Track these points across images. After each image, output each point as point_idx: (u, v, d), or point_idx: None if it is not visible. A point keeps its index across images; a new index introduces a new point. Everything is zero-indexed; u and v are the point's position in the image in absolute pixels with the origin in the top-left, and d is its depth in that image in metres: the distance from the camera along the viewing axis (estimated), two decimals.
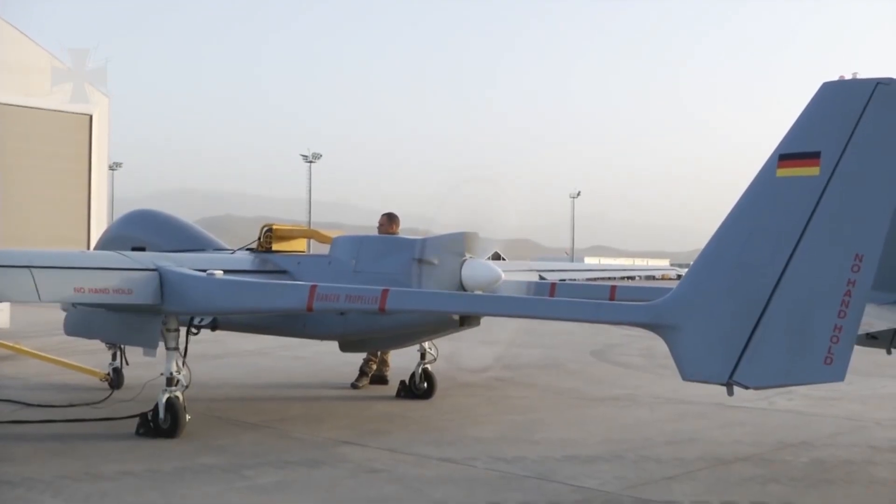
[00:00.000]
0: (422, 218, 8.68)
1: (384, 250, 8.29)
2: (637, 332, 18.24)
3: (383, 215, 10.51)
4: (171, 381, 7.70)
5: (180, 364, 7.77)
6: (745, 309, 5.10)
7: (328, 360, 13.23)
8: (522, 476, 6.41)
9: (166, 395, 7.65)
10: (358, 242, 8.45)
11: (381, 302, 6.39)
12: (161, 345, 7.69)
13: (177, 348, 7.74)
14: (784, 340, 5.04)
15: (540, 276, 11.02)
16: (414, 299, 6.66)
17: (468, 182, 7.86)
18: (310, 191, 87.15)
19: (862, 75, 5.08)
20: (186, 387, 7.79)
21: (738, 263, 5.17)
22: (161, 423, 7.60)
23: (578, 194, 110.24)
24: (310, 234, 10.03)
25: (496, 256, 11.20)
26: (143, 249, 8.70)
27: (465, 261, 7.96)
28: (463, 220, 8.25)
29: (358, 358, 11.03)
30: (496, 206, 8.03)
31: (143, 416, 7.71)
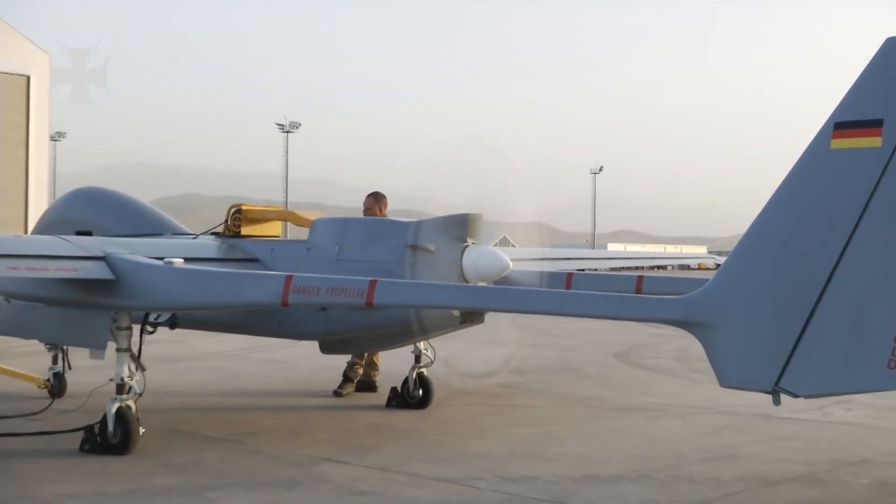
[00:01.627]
0: (415, 198, 8.67)
1: (372, 235, 8.30)
2: (668, 330, 18.25)
3: (370, 195, 10.50)
4: (121, 389, 7.71)
5: (133, 368, 7.77)
6: (794, 304, 5.11)
7: (307, 364, 13.24)
8: (533, 499, 6.43)
9: (116, 405, 7.66)
10: (342, 226, 8.45)
11: (369, 295, 6.40)
12: (111, 346, 7.69)
13: (129, 350, 7.75)
14: (839, 341, 5.05)
15: (550, 264, 11.01)
16: (407, 292, 6.67)
17: (470, 155, 7.83)
18: (286, 165, 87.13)
19: None
20: (140, 395, 7.80)
21: (785, 251, 5.17)
22: (110, 438, 7.62)
23: (601, 170, 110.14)
24: (286, 217, 10.02)
25: (504, 242, 11.19)
26: (89, 234, 8.69)
27: (466, 247, 7.96)
28: (464, 199, 8.24)
29: (342, 361, 11.04)
30: (504, 182, 8.01)
31: (88, 429, 7.73)
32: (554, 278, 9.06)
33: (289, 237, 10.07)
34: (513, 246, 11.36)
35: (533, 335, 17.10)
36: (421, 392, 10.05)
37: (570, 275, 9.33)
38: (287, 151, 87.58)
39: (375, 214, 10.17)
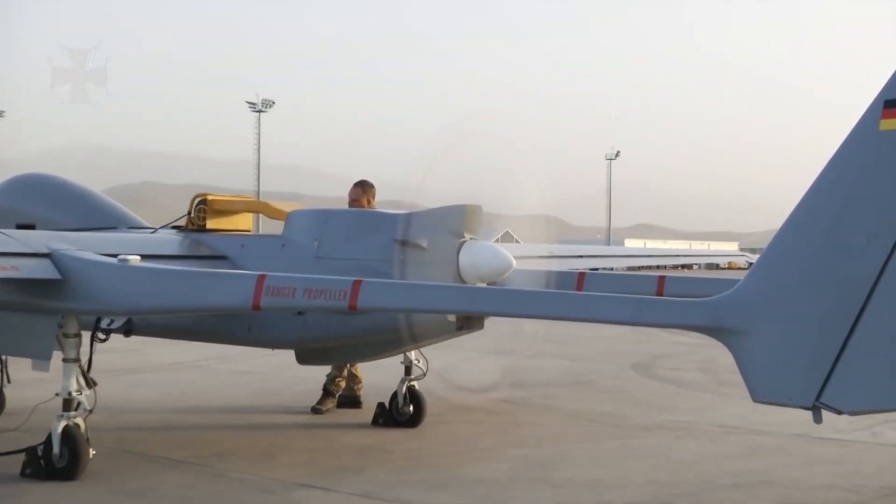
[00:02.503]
0: (406, 187, 8.66)
1: (356, 229, 8.30)
2: (693, 338, 18.22)
3: (356, 184, 10.51)
4: (69, 405, 7.69)
5: (82, 381, 7.75)
6: (837, 308, 5.10)
7: (281, 376, 13.24)
8: None
9: (63, 424, 7.65)
10: (321, 219, 8.45)
11: (353, 297, 6.39)
12: (56, 355, 7.67)
13: (78, 360, 7.73)
14: (888, 350, 5.04)
15: (558, 263, 11.01)
16: (396, 294, 6.66)
17: (468, 138, 7.82)
18: (258, 150, 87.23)
19: None
20: (90, 411, 7.78)
21: (826, 247, 5.16)
22: (56, 461, 7.60)
23: (617, 155, 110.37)
24: (257, 208, 10.02)
25: (506, 238, 11.19)
26: (32, 227, 8.67)
27: (464, 243, 7.95)
28: (462, 188, 8.24)
29: (321, 373, 11.04)
30: (506, 169, 8.01)
31: (31, 451, 7.71)
32: (563, 278, 9.06)
33: (261, 231, 10.06)
34: (517, 242, 11.37)
35: (539, 343, 17.09)
36: (412, 408, 10.05)
37: (581, 274, 9.33)
38: (259, 134, 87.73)
39: (362, 206, 10.17)
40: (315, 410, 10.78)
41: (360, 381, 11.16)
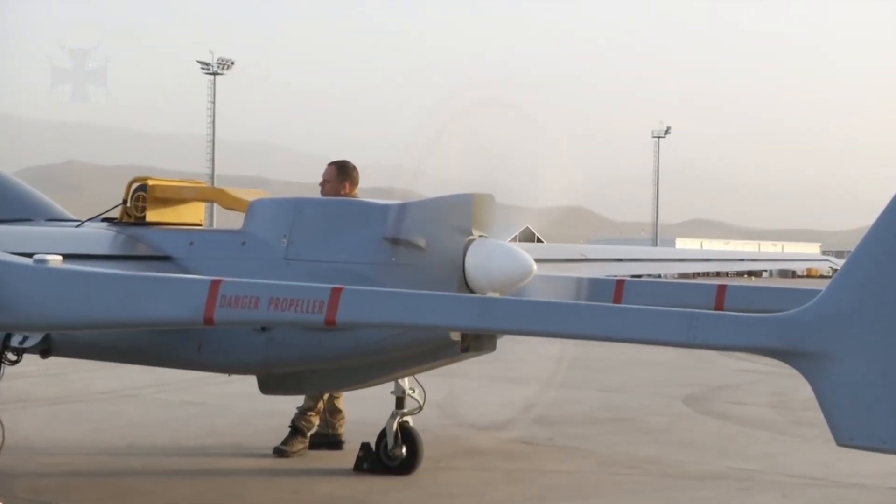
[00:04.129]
0: (399, 170, 8.66)
1: (335, 224, 8.30)
2: (762, 363, 18.15)
3: (332, 165, 10.47)
4: None
5: None
6: None
7: (239, 409, 13.22)
8: None
9: None
10: (292, 210, 8.44)
11: (331, 310, 6.38)
12: None
13: None
14: None
15: (591, 268, 10.98)
16: (385, 306, 6.65)
17: (478, 110, 7.82)
18: (213, 123, 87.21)
19: None
20: None
21: None
22: None
23: (667, 132, 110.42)
24: (211, 196, 10.00)
25: (525, 236, 11.18)
26: None
27: (471, 242, 7.94)
28: (469, 173, 8.24)
29: (290, 405, 11.03)
30: (527, 149, 8.00)
31: None
32: (597, 287, 9.05)
33: (215, 225, 10.06)
34: (539, 241, 11.36)
35: (566, 369, 17.05)
36: (405, 450, 10.05)
37: (619, 283, 9.32)
38: (214, 102, 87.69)
39: (340, 193, 10.15)
40: (280, 452, 10.78)
41: (342, 416, 11.13)
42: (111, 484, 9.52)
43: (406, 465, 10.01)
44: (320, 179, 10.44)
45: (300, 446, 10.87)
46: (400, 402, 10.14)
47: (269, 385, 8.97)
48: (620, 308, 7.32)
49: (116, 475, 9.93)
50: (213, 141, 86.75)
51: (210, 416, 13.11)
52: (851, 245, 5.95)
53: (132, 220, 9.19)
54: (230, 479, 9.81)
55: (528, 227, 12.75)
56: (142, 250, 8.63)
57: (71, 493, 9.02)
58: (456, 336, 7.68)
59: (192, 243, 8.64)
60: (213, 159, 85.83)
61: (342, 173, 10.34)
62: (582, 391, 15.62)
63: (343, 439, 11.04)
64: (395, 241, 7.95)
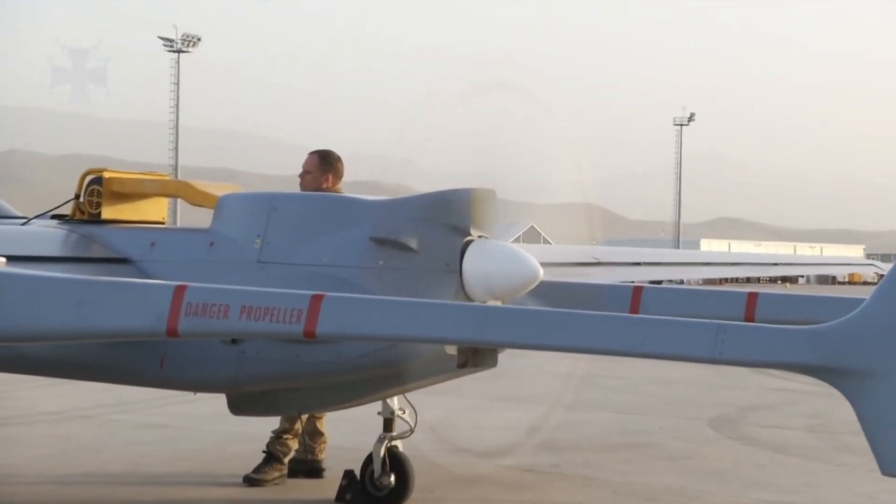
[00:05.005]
0: (387, 161, 8.68)
1: (316, 222, 8.32)
2: (798, 381, 18.16)
3: (314, 155, 10.47)
4: None
5: None
6: None
7: (206, 432, 13.23)
8: None
9: None
10: (267, 207, 8.45)
11: (310, 320, 6.41)
12: None
13: None
14: None
15: (605, 272, 10.99)
16: (372, 316, 6.67)
17: (479, 94, 7.84)
18: (177, 107, 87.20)
19: None
20: None
21: None
22: None
23: (691, 119, 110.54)
24: (175, 190, 10.01)
25: (531, 236, 11.18)
26: None
27: (470, 244, 7.97)
28: (467, 165, 8.26)
29: (264, 427, 11.03)
30: (533, 138, 8.02)
31: None
32: (612, 295, 9.08)
33: (179, 224, 10.06)
34: (546, 242, 11.34)
35: (576, 387, 17.09)
36: (393, 478, 10.05)
37: (637, 290, 9.33)
38: (178, 83, 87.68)
39: (322, 187, 10.16)
40: (252, 481, 10.78)
41: (323, 440, 11.13)
42: None
43: (395, 496, 10.03)
44: (299, 171, 10.45)
45: (276, 474, 10.87)
46: (388, 425, 10.14)
47: (241, 405, 8.98)
48: (638, 319, 7.35)
49: None
50: (176, 127, 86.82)
51: (173, 440, 13.11)
52: None
53: (86, 217, 9.20)
54: None
55: (533, 227, 12.77)
56: (96, 251, 8.63)
57: None
58: (452, 350, 7.69)
59: (153, 244, 8.64)
60: (176, 148, 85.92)
61: (325, 164, 10.33)
62: (594, 412, 15.63)
63: (324, 466, 11.05)
64: (383, 243, 7.97)
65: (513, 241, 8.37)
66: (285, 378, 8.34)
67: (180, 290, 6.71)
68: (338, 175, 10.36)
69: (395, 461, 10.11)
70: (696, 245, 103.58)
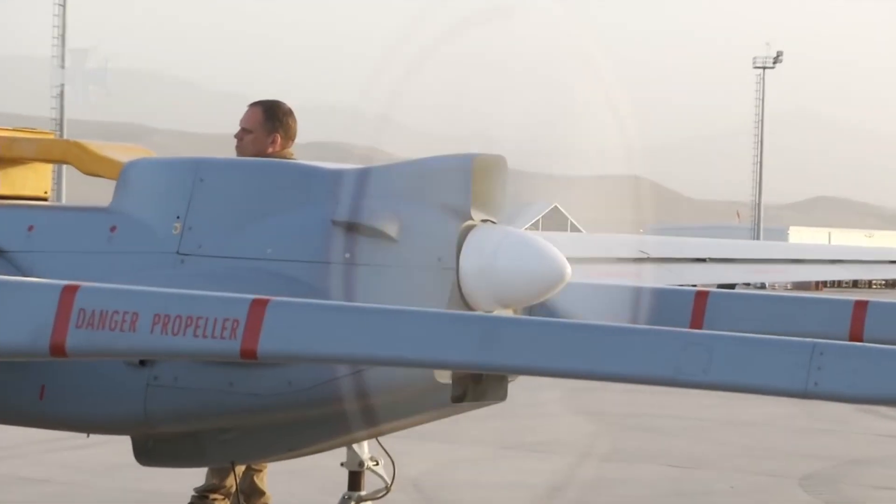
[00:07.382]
0: (356, 117, 8.73)
1: (258, 200, 8.37)
2: None
3: (255, 108, 10.53)
4: None
5: None
6: None
7: (102, 489, 13.29)
8: None
9: None
10: (189, 177, 8.51)
11: (249, 334, 6.44)
12: None
13: None
14: None
15: (656, 270, 11.09)
16: (333, 328, 6.70)
17: (483, 24, 7.88)
18: (62, 40, 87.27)
19: None
20: None
21: None
22: None
23: (777, 61, 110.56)
24: (62, 154, 10.06)
25: (553, 221, 11.26)
26: None
27: (471, 231, 8.00)
28: (468, 123, 8.31)
29: (184, 483, 11.08)
30: (560, 88, 8.08)
31: None
32: (667, 302, 9.12)
33: (67, 200, 10.11)
34: (575, 230, 11.39)
35: (614, 430, 17.17)
36: None
37: (701, 295, 9.36)
38: (64, 5, 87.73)
39: (267, 152, 10.21)
40: None
41: (265, 501, 11.19)
42: None
43: None
44: (236, 130, 10.49)
45: None
46: (355, 480, 10.22)
47: (151, 452, 9.02)
48: (701, 335, 7.37)
49: None
50: (62, 65, 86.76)
51: (59, 498, 13.17)
52: None
53: None
54: None
55: (556, 208, 12.86)
56: None
57: None
58: (445, 377, 7.73)
59: (31, 228, 8.68)
60: (61, 95, 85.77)
61: (271, 121, 10.41)
62: (640, 465, 15.73)
63: None
64: (351, 228, 8.00)
65: (529, 228, 8.39)
66: (213, 414, 8.37)
67: (69, 291, 6.74)
68: (288, 135, 10.41)
69: None
70: (784, 235, 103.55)
